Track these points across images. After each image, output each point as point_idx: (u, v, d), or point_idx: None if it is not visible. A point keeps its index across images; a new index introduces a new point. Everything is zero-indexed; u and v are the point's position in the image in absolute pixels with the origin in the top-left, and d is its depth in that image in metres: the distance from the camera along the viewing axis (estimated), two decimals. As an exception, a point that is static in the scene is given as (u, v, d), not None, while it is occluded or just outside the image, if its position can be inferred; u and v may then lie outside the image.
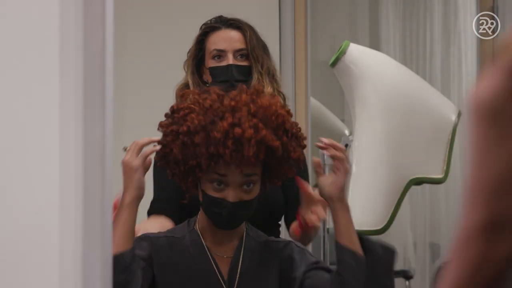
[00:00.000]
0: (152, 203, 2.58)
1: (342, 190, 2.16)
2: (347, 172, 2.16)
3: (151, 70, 4.03)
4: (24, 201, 1.47)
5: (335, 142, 2.20)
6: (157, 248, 2.18)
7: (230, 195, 2.11)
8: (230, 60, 2.63)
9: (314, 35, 4.38)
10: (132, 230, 2.12)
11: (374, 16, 5.33)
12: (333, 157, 2.17)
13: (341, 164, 2.16)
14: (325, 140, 2.20)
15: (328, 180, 2.17)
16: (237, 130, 2.05)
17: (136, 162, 2.13)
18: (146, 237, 2.20)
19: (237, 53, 2.65)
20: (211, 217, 2.16)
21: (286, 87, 4.09)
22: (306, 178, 2.55)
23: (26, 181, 1.47)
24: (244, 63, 2.64)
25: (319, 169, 2.21)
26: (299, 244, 2.27)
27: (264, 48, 2.70)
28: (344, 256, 2.14)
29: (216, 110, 2.10)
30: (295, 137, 2.15)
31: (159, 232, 2.26)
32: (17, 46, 1.47)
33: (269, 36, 4.06)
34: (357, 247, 2.15)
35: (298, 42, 4.14)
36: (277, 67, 4.03)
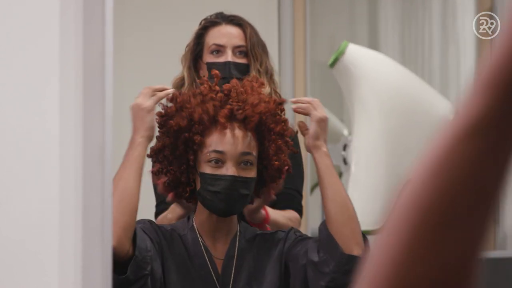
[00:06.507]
0: (158, 205, 2.58)
1: (317, 139, 2.21)
2: (318, 119, 2.20)
3: (151, 70, 4.03)
4: (24, 201, 1.47)
5: (299, 98, 2.30)
6: (166, 238, 2.20)
7: (229, 169, 2.13)
8: (228, 56, 2.61)
9: (313, 35, 4.38)
10: (142, 168, 2.14)
11: (373, 17, 5.33)
12: (299, 112, 2.24)
13: (308, 113, 2.22)
14: (292, 100, 2.30)
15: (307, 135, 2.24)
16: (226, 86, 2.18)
17: (149, 103, 2.16)
18: (156, 225, 2.23)
19: (236, 49, 2.63)
20: (209, 202, 2.16)
21: (285, 88, 4.09)
22: (299, 164, 2.57)
23: (26, 181, 1.47)
24: (243, 61, 2.62)
25: (304, 130, 2.25)
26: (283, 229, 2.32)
27: (263, 47, 2.68)
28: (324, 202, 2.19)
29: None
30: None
31: (164, 225, 2.28)
32: (17, 46, 1.47)
33: (268, 36, 4.06)
34: (337, 188, 2.17)
35: (297, 42, 4.14)
36: (276, 67, 4.04)
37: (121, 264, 2.03)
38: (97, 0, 1.47)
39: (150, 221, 2.21)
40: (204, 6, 3.67)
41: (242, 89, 2.18)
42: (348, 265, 2.10)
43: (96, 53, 1.47)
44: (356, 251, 2.12)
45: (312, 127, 2.21)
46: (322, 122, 2.21)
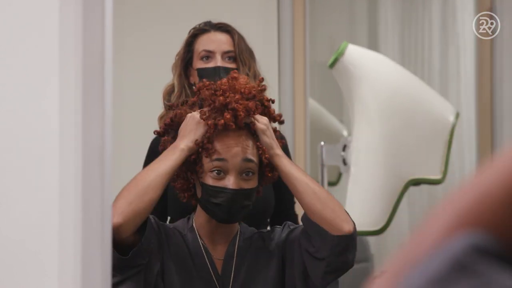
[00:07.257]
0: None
1: (271, 148, 2.19)
2: (262, 130, 2.18)
3: (151, 70, 4.04)
4: (24, 201, 1.47)
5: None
6: (168, 236, 2.21)
7: (231, 182, 2.13)
8: (218, 61, 2.70)
9: (312, 36, 4.38)
10: (174, 172, 2.14)
11: (373, 17, 5.33)
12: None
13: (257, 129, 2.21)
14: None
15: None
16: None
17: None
18: (158, 221, 2.23)
19: (225, 54, 2.72)
20: (210, 212, 2.17)
21: (285, 88, 4.09)
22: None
23: (26, 181, 1.47)
24: (232, 65, 2.69)
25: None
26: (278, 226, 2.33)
27: (250, 53, 2.78)
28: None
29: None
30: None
31: (166, 224, 2.29)
32: (17, 46, 1.47)
33: (268, 37, 4.07)
34: (303, 179, 2.17)
35: (297, 43, 4.15)
36: (276, 67, 4.04)
37: (119, 246, 2.03)
38: (97, 0, 1.47)
39: (153, 217, 2.22)
40: (203, 6, 3.67)
41: (228, 93, 2.18)
42: (340, 245, 2.10)
43: (96, 53, 1.47)
44: (346, 227, 2.11)
45: (261, 139, 2.19)
46: (267, 131, 2.20)
